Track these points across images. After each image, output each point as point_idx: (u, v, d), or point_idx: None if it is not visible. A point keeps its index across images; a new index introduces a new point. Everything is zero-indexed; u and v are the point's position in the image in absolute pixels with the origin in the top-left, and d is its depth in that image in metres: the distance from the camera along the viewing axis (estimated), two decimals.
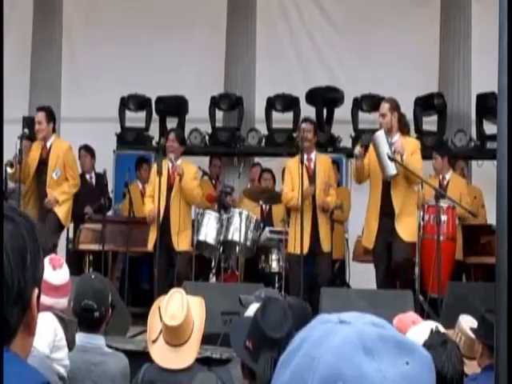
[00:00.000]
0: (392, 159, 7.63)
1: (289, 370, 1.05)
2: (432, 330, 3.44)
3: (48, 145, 9.03)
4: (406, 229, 7.83)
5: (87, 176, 10.77)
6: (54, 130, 9.17)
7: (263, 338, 2.86)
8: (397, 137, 7.96)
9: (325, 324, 1.07)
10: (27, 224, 1.35)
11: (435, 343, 3.09)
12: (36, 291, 1.34)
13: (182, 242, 8.65)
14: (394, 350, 1.04)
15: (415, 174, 7.76)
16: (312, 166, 8.59)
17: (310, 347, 1.05)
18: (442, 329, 3.86)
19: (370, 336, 1.04)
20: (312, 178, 8.49)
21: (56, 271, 4.07)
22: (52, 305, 4.00)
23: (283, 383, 1.05)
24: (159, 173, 8.45)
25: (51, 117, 9.10)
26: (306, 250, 8.16)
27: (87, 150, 10.89)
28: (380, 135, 7.85)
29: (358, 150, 8.03)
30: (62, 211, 8.88)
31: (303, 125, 8.66)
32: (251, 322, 3.02)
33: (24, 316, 1.33)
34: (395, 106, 8.12)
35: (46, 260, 4.04)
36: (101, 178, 10.69)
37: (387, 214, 7.87)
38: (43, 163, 8.99)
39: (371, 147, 8.02)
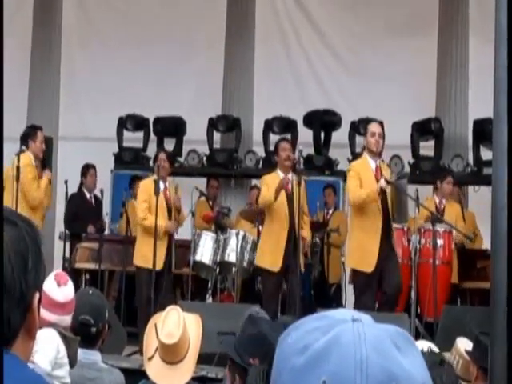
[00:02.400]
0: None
1: (323, 376, 1.00)
2: (426, 351, 3.44)
3: None
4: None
5: (88, 195, 10.82)
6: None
7: (270, 353, 2.88)
8: (379, 160, 7.97)
9: (344, 324, 1.04)
10: (29, 228, 1.37)
11: (432, 364, 3.10)
12: (37, 295, 1.37)
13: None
14: (407, 342, 1.05)
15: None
16: (290, 187, 8.45)
17: (345, 349, 1.01)
18: (435, 349, 3.88)
19: (392, 332, 1.04)
20: (290, 199, 8.35)
21: (61, 288, 4.05)
22: (56, 322, 3.99)
23: None
24: (156, 193, 8.49)
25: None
26: (278, 269, 8.10)
27: (94, 169, 10.98)
28: (405, 182, 7.82)
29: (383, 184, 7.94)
30: None
31: (281, 144, 8.61)
32: (255, 339, 3.03)
33: (25, 319, 1.35)
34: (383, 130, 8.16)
35: (51, 276, 4.05)
36: (97, 199, 10.74)
37: (387, 237, 7.83)
38: None
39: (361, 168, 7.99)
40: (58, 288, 4.03)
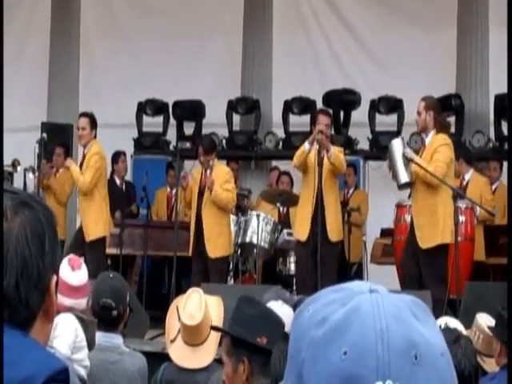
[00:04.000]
0: (407, 162, 7.57)
1: (344, 347, 0.99)
2: (442, 328, 3.41)
3: (85, 151, 8.88)
4: (424, 236, 7.72)
5: (117, 181, 10.86)
6: (95, 136, 8.95)
7: (280, 331, 2.85)
8: (431, 134, 7.88)
9: (362, 295, 1.03)
10: (45, 211, 1.38)
11: (448, 341, 3.06)
12: (54, 277, 1.37)
13: (215, 249, 8.52)
14: (424, 311, 1.04)
15: (428, 177, 7.61)
16: (322, 154, 8.37)
17: (364, 319, 1.00)
18: (452, 324, 3.84)
19: (409, 301, 1.04)
20: (320, 165, 8.27)
21: (75, 272, 4.09)
22: (71, 305, 4.02)
23: (340, 361, 0.99)
24: (177, 179, 8.48)
25: (94, 123, 8.87)
26: (305, 238, 8.14)
27: (125, 156, 11.01)
28: (396, 144, 7.77)
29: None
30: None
31: (319, 117, 8.53)
32: (261, 318, 3.00)
33: (44, 301, 1.36)
34: (430, 105, 8.05)
35: (65, 260, 4.06)
36: (129, 184, 10.79)
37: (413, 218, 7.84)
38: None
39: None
40: (72, 272, 4.06)
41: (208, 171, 8.64)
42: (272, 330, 2.94)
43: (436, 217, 7.67)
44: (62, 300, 3.94)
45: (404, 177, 7.61)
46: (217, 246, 8.49)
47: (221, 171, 8.77)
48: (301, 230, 8.25)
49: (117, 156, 10.93)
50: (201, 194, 8.59)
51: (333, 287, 1.07)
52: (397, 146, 7.74)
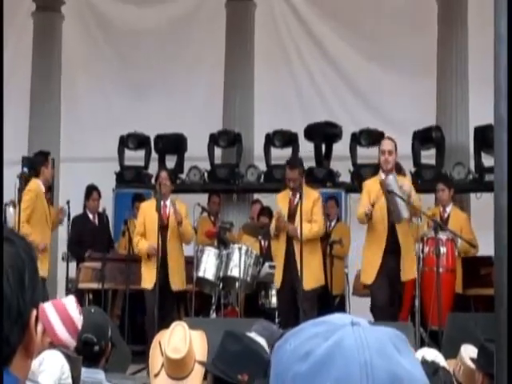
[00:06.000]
0: (406, 202, 7.63)
1: (328, 382, 0.99)
2: (420, 360, 3.41)
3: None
4: (410, 268, 7.81)
5: (90, 216, 10.82)
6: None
7: (263, 366, 2.83)
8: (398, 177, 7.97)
9: (344, 328, 1.03)
10: (25, 246, 1.37)
11: (428, 373, 3.06)
12: (34, 312, 1.36)
13: (178, 282, 8.75)
14: (404, 343, 1.04)
15: (419, 211, 7.79)
16: (295, 201, 8.52)
17: (348, 353, 1.00)
18: (431, 356, 3.85)
19: (390, 334, 1.04)
20: (292, 214, 8.40)
21: (81, 316, 4.11)
22: (71, 345, 4.03)
23: None
24: (158, 210, 8.53)
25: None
26: (278, 285, 8.34)
27: (98, 192, 10.98)
28: (392, 179, 7.81)
29: (368, 210, 7.95)
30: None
31: (287, 172, 8.61)
32: (243, 355, 2.97)
33: (24, 337, 1.34)
34: (395, 146, 8.16)
35: (75, 304, 4.09)
36: (102, 217, 10.71)
37: (392, 252, 7.86)
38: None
39: (372, 185, 7.99)
40: (79, 315, 4.07)
41: (167, 204, 8.80)
42: (254, 367, 2.91)
43: (413, 252, 7.82)
44: (69, 340, 3.98)
45: (406, 213, 7.70)
46: (180, 278, 8.78)
47: (182, 207, 8.98)
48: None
49: (87, 192, 10.83)
50: (163, 226, 8.68)
51: (314, 320, 1.06)
52: (393, 182, 7.77)
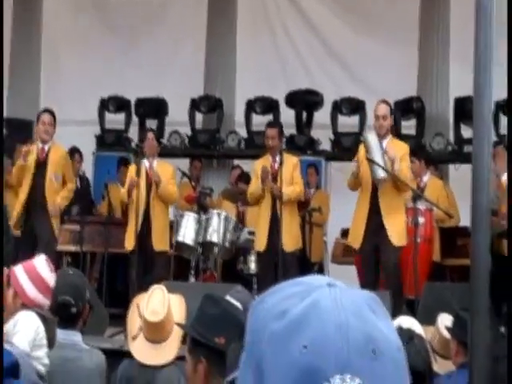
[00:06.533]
0: (384, 168, 7.57)
1: (304, 341, 1.00)
2: (396, 328, 3.45)
3: (46, 148, 8.84)
4: (396, 232, 7.70)
5: None
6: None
7: (239, 330, 2.84)
8: (388, 139, 7.91)
9: (320, 289, 1.04)
10: None
11: (403, 340, 3.09)
12: (6, 271, 1.37)
13: (161, 243, 8.70)
14: (380, 306, 1.06)
15: (405, 183, 7.66)
16: (276, 167, 8.56)
17: (324, 314, 1.01)
18: (408, 323, 3.91)
19: (366, 296, 1.05)
20: (275, 179, 8.43)
21: (52, 273, 4.09)
22: (44, 304, 4.02)
23: (300, 355, 0.99)
24: (138, 174, 8.50)
25: (55, 120, 8.95)
26: (263, 248, 8.32)
27: (80, 155, 10.92)
28: (372, 139, 7.74)
29: (355, 168, 7.93)
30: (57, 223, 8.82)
31: (267, 131, 8.66)
32: (221, 318, 3.00)
33: None
34: (391, 110, 8.12)
35: (44, 262, 4.08)
36: (83, 179, 10.70)
37: (375, 215, 7.81)
38: (41, 166, 8.77)
39: (362, 147, 7.95)
40: (50, 274, 4.06)
41: (153, 165, 8.79)
42: (232, 331, 2.93)
43: (401, 217, 7.76)
44: (40, 298, 3.97)
45: (382, 172, 7.59)
46: (162, 240, 8.70)
47: (168, 169, 8.93)
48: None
49: (71, 154, 10.80)
50: (148, 188, 8.70)
51: (291, 281, 1.07)
52: (373, 141, 7.69)
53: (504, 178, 8.57)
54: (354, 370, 0.98)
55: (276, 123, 9.31)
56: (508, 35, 2.75)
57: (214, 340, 2.93)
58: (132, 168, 8.87)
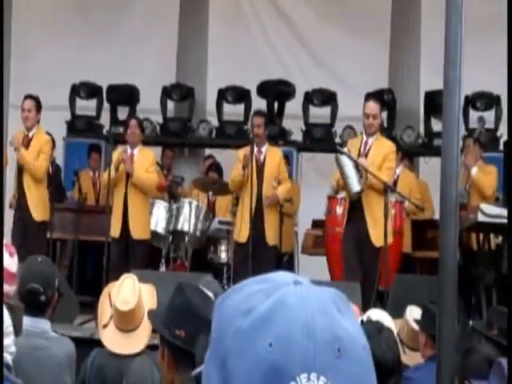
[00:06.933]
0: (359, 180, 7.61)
1: (270, 338, 1.00)
2: (364, 321, 3.47)
3: (31, 134, 8.88)
4: (377, 235, 7.73)
5: None
6: (38, 121, 9.01)
7: (202, 323, 2.82)
8: (374, 138, 7.88)
9: (286, 286, 1.04)
10: None
11: (371, 333, 3.12)
12: None
13: (139, 231, 8.64)
14: (346, 304, 1.06)
15: (377, 178, 7.63)
16: (262, 158, 8.64)
17: (290, 312, 1.01)
18: (377, 316, 3.95)
19: (332, 294, 1.05)
20: (260, 170, 8.52)
21: (13, 258, 4.02)
22: (9, 291, 3.96)
23: (266, 353, 0.99)
24: (116, 165, 8.49)
25: (39, 106, 8.95)
26: (244, 239, 8.31)
27: (52, 140, 10.87)
28: (342, 158, 7.65)
29: (333, 186, 8.01)
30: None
31: (254, 119, 8.71)
32: (182, 310, 2.99)
33: None
34: (380, 109, 8.09)
35: (4, 247, 4.00)
36: (54, 165, 10.62)
37: (357, 217, 7.83)
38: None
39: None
40: (11, 258, 4.00)
41: (134, 153, 8.78)
42: (194, 324, 2.92)
43: (382, 220, 7.78)
44: (7, 289, 3.89)
45: (356, 186, 7.64)
46: (140, 227, 8.63)
47: (148, 157, 8.91)
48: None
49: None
50: (128, 175, 8.66)
51: (256, 278, 1.07)
52: (344, 160, 7.69)
53: (473, 171, 8.65)
54: (320, 369, 0.98)
55: (262, 112, 9.36)
56: (508, 35, 2.78)
57: (174, 332, 2.93)
58: (116, 152, 8.82)
